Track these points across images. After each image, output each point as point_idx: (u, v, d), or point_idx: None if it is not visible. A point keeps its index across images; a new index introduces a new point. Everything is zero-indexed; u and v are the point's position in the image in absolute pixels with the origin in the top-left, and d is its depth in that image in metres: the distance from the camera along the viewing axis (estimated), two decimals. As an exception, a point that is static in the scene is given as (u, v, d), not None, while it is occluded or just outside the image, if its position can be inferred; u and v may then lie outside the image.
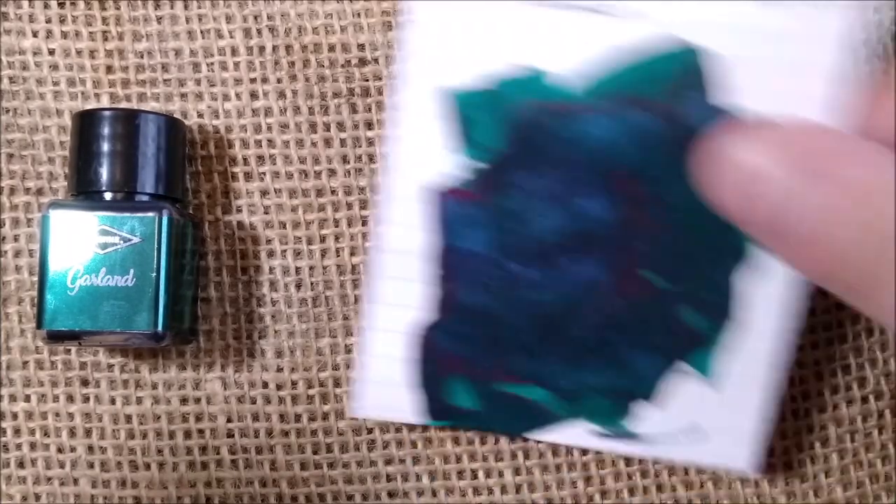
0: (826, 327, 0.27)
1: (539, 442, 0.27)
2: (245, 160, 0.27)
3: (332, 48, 0.27)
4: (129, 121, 0.25)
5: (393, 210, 0.25)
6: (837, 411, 0.27)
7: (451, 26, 0.24)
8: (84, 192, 0.25)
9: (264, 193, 0.27)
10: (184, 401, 0.27)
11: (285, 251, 0.27)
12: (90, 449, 0.27)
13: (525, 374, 0.25)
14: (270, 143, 0.27)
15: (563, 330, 0.25)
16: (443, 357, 0.25)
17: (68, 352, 0.27)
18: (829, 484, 0.27)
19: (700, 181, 0.21)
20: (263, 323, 0.27)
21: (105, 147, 0.25)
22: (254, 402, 0.27)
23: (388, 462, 0.27)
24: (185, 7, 0.27)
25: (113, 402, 0.27)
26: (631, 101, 0.24)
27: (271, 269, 0.27)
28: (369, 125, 0.27)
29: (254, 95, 0.27)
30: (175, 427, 0.27)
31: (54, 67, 0.27)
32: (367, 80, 0.27)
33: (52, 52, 0.27)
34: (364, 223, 0.27)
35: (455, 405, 0.25)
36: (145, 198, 0.25)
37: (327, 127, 0.27)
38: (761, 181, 0.20)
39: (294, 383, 0.27)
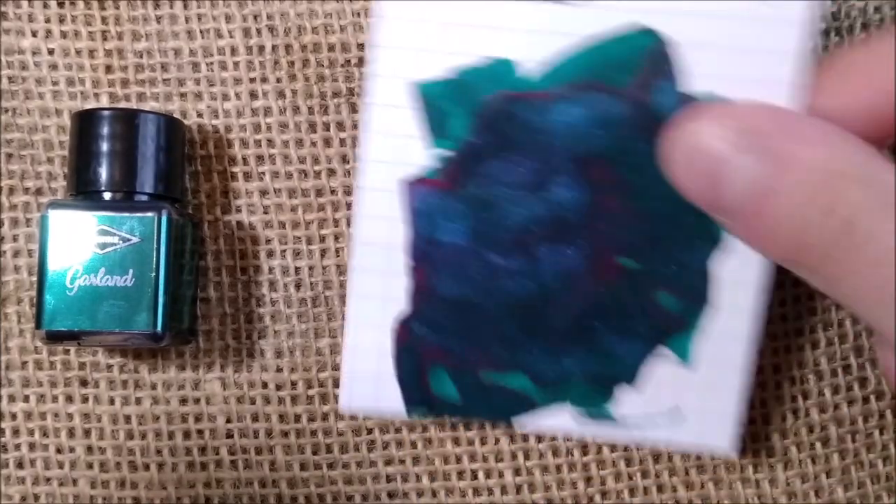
0: (826, 326, 0.27)
1: (539, 442, 0.27)
2: (244, 160, 0.27)
3: (331, 48, 0.27)
4: (128, 121, 0.25)
5: (369, 203, 0.25)
6: (838, 411, 0.27)
7: (417, 21, 0.24)
8: (83, 191, 0.25)
9: (264, 193, 0.27)
10: (183, 401, 0.27)
11: (285, 251, 0.27)
12: (89, 449, 0.27)
13: (507, 362, 0.25)
14: (270, 142, 0.27)
15: (543, 318, 0.25)
16: (424, 348, 0.25)
17: (67, 352, 0.27)
18: (830, 484, 0.27)
19: (666, 168, 0.22)
20: (263, 323, 0.27)
21: (104, 147, 0.25)
22: (253, 402, 0.27)
23: (388, 462, 0.27)
24: (185, 6, 0.27)
25: (112, 402, 0.27)
26: (598, 88, 0.24)
27: (271, 269, 0.27)
28: (369, 125, 0.27)
29: (253, 95, 0.27)
30: (174, 427, 0.27)
31: (53, 67, 0.27)
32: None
33: (51, 52, 0.27)
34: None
35: (438, 395, 0.25)
36: (144, 198, 0.25)
37: (327, 127, 0.27)
38: (722, 166, 0.20)
39: (294, 383, 0.27)
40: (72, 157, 0.25)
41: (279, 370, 0.27)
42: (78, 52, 0.27)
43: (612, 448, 0.27)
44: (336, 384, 0.27)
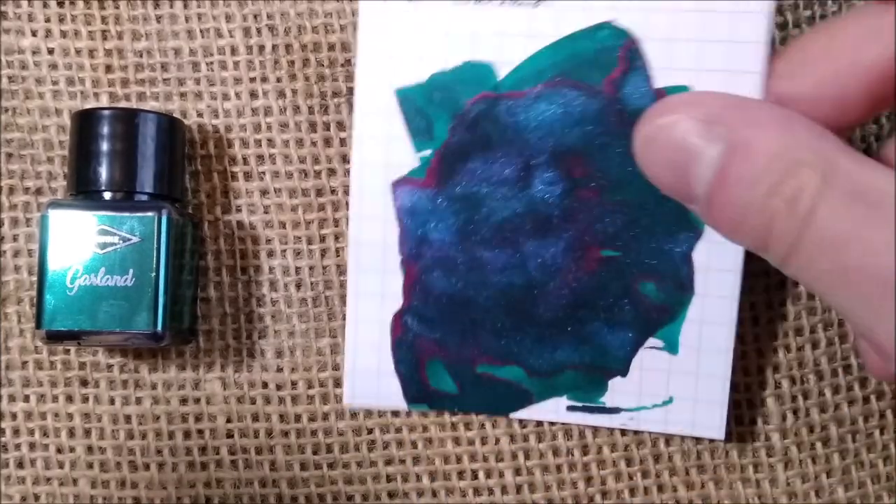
0: (826, 326, 0.27)
1: (540, 442, 0.27)
2: (245, 160, 0.27)
3: (331, 47, 0.27)
4: (128, 120, 0.25)
5: (361, 205, 0.26)
6: (838, 411, 0.27)
7: (396, 25, 0.25)
8: (83, 191, 0.25)
9: (264, 193, 0.27)
10: (183, 401, 0.27)
11: (285, 251, 0.27)
12: (89, 449, 0.27)
13: (501, 355, 0.26)
14: (270, 142, 0.27)
15: (533, 310, 0.26)
16: (420, 343, 0.26)
17: (67, 352, 0.27)
18: (831, 484, 0.27)
19: (638, 162, 0.22)
20: (263, 323, 0.27)
21: (104, 146, 0.25)
22: (253, 402, 0.27)
23: (389, 462, 0.27)
24: (185, 6, 0.27)
25: (112, 402, 0.27)
26: (572, 86, 0.25)
27: (271, 269, 0.27)
28: (369, 125, 0.27)
29: (253, 95, 0.27)
30: (175, 427, 0.27)
31: (53, 67, 0.27)
32: (367, 80, 0.27)
33: (51, 52, 0.27)
34: (364, 223, 0.27)
35: (436, 389, 0.26)
36: (144, 197, 0.25)
37: (327, 126, 0.27)
38: (687, 157, 0.20)
39: (294, 383, 0.27)
40: (72, 157, 0.25)
41: (279, 370, 0.27)
42: (78, 52, 0.27)
43: (612, 448, 0.27)
44: (336, 384, 0.27)
